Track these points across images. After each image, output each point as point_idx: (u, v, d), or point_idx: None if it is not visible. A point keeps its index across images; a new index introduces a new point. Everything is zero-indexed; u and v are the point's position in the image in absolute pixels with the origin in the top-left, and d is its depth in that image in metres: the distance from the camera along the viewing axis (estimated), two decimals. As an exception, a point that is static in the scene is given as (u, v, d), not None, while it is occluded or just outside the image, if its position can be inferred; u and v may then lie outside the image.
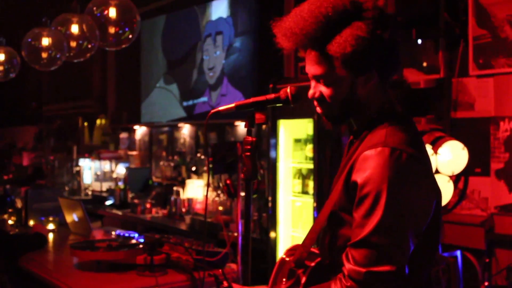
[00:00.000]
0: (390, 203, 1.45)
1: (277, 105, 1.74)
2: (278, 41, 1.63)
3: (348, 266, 1.49)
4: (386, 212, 1.45)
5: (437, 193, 1.60)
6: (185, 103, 6.44)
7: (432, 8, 3.85)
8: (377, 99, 1.62)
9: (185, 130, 6.57)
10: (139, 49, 7.15)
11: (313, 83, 1.64)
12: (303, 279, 1.63)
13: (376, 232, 1.45)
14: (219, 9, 5.96)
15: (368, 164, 1.49)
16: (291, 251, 1.75)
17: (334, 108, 1.62)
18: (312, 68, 1.61)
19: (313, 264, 1.65)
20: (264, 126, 4.44)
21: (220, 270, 1.73)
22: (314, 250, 1.71)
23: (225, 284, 1.68)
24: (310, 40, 1.55)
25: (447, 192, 3.15)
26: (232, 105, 1.74)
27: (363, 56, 1.51)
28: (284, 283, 1.66)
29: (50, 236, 4.01)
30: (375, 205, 1.46)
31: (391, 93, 1.66)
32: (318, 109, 1.66)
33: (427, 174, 1.57)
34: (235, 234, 3.42)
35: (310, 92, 1.64)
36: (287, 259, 1.71)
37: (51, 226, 4.20)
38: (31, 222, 4.44)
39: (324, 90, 1.61)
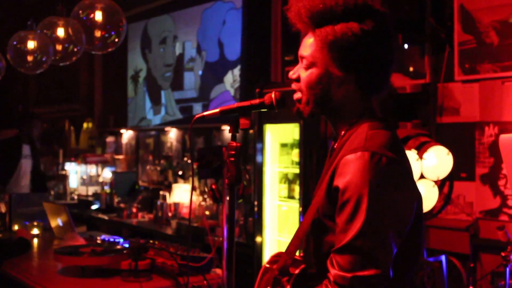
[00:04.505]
0: (371, 207, 1.45)
1: (262, 110, 1.74)
2: (289, 16, 1.66)
3: (333, 272, 1.48)
4: (368, 216, 1.44)
5: (418, 196, 1.60)
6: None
7: (418, 14, 3.87)
8: (355, 106, 1.63)
9: (172, 134, 6.55)
10: (126, 52, 7.12)
11: (298, 65, 1.67)
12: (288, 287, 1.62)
13: (360, 237, 1.44)
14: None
15: (349, 168, 1.49)
16: (274, 258, 1.74)
17: (306, 94, 1.63)
18: (302, 48, 1.64)
19: (297, 271, 1.63)
20: (251, 131, 4.43)
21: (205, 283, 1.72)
22: (298, 257, 1.70)
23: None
24: (309, 19, 1.59)
25: (432, 197, 3.16)
26: (217, 110, 1.73)
27: (343, 52, 1.54)
28: (268, 291, 1.65)
29: (35, 241, 3.97)
30: (357, 210, 1.45)
31: (375, 101, 1.66)
32: (295, 94, 1.68)
33: (407, 177, 1.58)
34: (221, 239, 3.41)
35: (291, 72, 1.67)
36: (271, 266, 1.69)
37: (35, 231, 4.17)
38: (15, 227, 4.39)
39: (302, 72, 1.63)
